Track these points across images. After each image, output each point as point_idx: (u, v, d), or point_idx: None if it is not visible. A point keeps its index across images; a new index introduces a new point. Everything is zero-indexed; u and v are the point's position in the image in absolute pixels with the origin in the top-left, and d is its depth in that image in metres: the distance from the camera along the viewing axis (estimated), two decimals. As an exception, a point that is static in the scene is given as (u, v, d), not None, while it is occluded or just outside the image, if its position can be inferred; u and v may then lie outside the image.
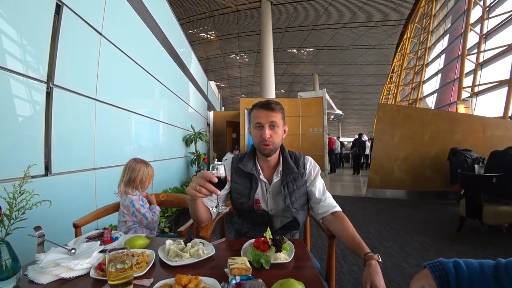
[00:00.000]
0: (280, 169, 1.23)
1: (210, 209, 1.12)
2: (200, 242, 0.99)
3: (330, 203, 1.19)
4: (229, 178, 0.95)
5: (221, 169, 0.91)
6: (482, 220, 2.94)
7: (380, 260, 0.89)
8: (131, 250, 0.89)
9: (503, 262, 0.62)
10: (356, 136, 10.79)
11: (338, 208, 1.17)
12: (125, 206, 1.63)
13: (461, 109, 7.27)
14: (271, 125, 1.16)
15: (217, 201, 1.05)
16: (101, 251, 0.94)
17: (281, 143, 1.25)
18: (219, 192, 0.90)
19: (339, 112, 16.41)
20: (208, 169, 0.95)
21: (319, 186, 1.24)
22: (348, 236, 1.03)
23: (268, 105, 1.17)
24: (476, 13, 8.13)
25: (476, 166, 4.05)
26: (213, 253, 0.94)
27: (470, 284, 0.62)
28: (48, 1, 1.89)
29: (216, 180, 0.88)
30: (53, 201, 0.91)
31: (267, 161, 1.24)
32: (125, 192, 1.66)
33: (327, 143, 8.74)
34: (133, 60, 3.24)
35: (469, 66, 7.96)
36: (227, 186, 1.24)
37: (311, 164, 1.29)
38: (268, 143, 1.15)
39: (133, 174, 1.68)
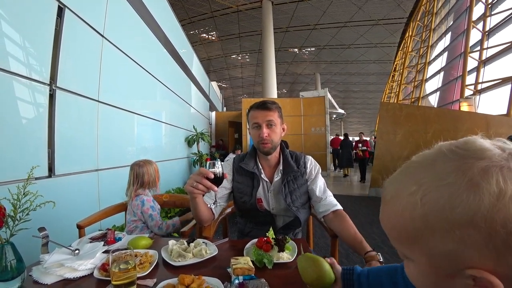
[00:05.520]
0: (281, 168, 1.24)
1: (208, 206, 1.12)
2: (203, 242, 0.99)
3: (330, 202, 1.19)
4: (226, 175, 0.95)
5: (218, 166, 0.91)
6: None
7: (382, 260, 0.89)
8: (134, 250, 0.89)
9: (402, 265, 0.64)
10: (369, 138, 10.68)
11: (339, 207, 1.18)
12: (135, 205, 1.65)
13: (464, 107, 7.21)
14: (268, 124, 1.18)
15: (215, 198, 1.05)
16: (105, 252, 0.94)
17: (280, 141, 1.26)
18: (216, 188, 0.90)
19: (341, 111, 16.38)
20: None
21: (319, 185, 1.24)
22: (350, 235, 1.03)
23: (264, 105, 1.19)
24: (478, 10, 8.06)
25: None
26: (216, 253, 0.95)
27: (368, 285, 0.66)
28: (50, 4, 1.91)
29: (212, 176, 0.88)
30: (57, 202, 0.92)
31: (267, 160, 1.25)
32: (136, 194, 1.68)
33: (329, 142, 8.71)
34: (135, 62, 3.26)
35: (472, 63, 7.89)
36: (228, 186, 1.25)
37: (311, 163, 1.29)
38: (266, 141, 1.17)
39: (144, 178, 1.70)
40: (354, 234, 1.02)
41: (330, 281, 0.67)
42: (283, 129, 1.25)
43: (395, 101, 14.55)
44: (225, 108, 17.38)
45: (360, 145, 7.93)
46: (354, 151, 8.17)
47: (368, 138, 8.43)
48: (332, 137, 11.83)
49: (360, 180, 7.73)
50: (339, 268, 0.71)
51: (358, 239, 0.99)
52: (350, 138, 8.72)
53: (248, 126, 1.28)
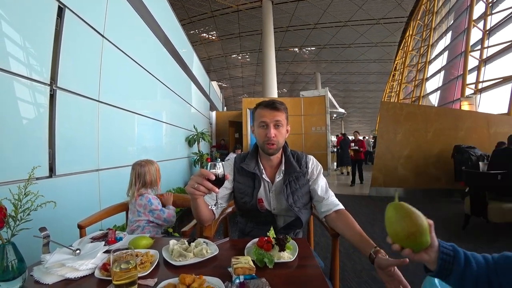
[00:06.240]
0: (283, 168, 1.23)
1: (209, 207, 1.12)
2: (204, 242, 0.99)
3: (333, 201, 1.18)
4: (228, 176, 0.94)
5: (219, 167, 0.90)
6: (487, 218, 2.91)
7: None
8: (135, 250, 0.89)
9: (497, 256, 0.58)
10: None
11: (341, 206, 1.17)
12: (141, 205, 1.65)
13: (465, 106, 7.23)
14: (276, 125, 1.17)
15: (216, 199, 1.05)
16: (106, 252, 0.94)
17: (284, 142, 1.25)
18: (217, 190, 0.89)
19: (341, 110, 16.35)
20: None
21: (321, 185, 1.24)
22: (355, 234, 1.01)
23: (273, 105, 1.18)
24: (479, 9, 8.05)
25: (480, 163, 4.01)
26: (216, 252, 0.95)
27: (475, 283, 0.56)
28: (50, 4, 1.91)
29: (213, 177, 0.87)
30: (58, 202, 0.92)
31: (269, 160, 1.24)
32: (140, 194, 1.69)
33: (330, 141, 8.72)
34: (135, 62, 3.26)
35: (472, 62, 7.89)
36: (229, 186, 1.25)
37: (313, 163, 1.29)
38: (272, 142, 1.16)
39: (146, 178, 1.71)
40: (360, 231, 1.01)
41: (425, 244, 0.54)
42: (287, 131, 1.25)
43: (395, 100, 14.56)
44: (225, 107, 17.37)
45: (352, 144, 7.36)
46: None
47: (361, 138, 8.16)
48: (335, 136, 11.83)
49: (351, 185, 7.08)
50: (435, 239, 0.58)
51: (364, 236, 0.98)
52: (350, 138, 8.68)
53: (251, 124, 1.27)
